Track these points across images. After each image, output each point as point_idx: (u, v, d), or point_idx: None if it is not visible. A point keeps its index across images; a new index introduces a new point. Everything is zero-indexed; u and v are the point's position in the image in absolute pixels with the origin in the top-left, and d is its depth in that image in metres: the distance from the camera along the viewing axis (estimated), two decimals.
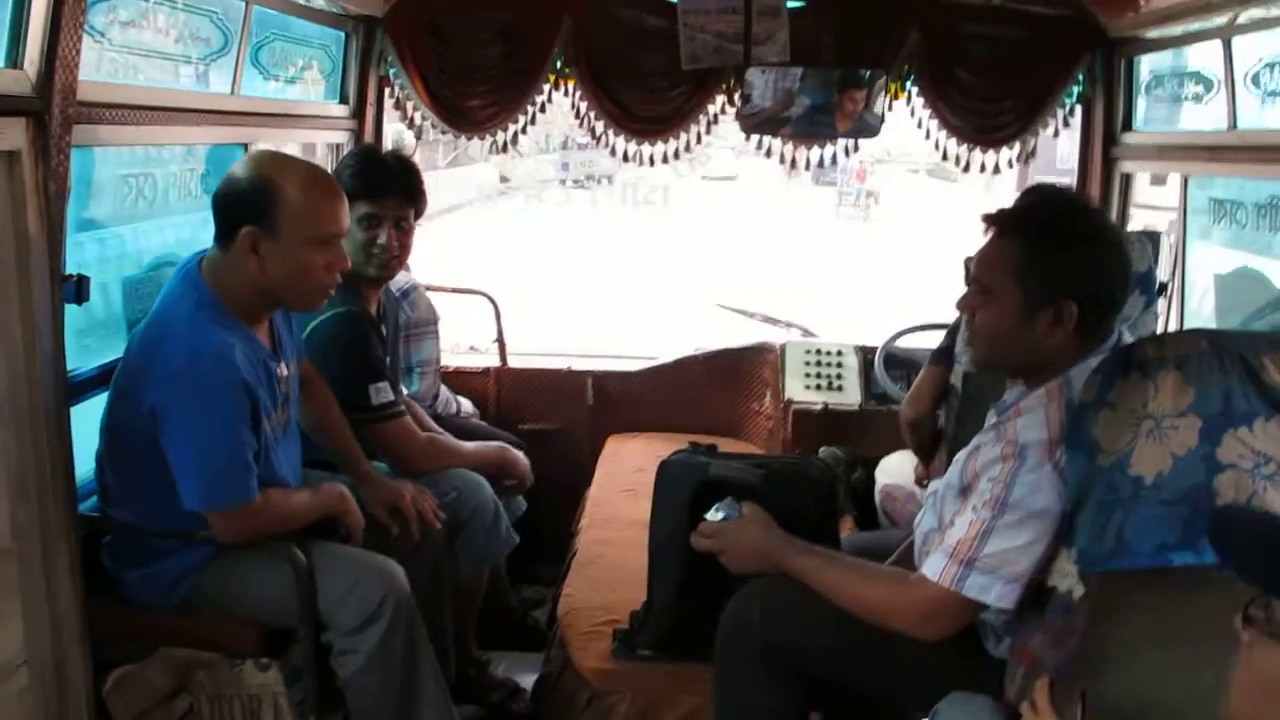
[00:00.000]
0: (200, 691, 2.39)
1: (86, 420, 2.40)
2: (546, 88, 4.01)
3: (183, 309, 2.38)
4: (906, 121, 4.15)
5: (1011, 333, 2.07)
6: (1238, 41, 3.26)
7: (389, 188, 3.04)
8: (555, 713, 2.77)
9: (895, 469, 3.65)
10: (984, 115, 4.06)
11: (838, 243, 24.26)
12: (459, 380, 4.34)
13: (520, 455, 3.38)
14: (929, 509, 2.30)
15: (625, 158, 4.19)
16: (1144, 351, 1.87)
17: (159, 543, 2.44)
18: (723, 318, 5.11)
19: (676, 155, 4.20)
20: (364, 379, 2.94)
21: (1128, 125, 4.01)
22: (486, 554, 3.15)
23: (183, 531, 2.40)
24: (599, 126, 4.08)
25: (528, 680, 3.15)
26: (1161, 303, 3.50)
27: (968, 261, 2.84)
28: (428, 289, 3.94)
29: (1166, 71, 3.86)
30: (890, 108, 4.08)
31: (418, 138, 4.17)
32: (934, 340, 3.46)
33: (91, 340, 2.65)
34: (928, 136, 4.15)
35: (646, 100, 4.06)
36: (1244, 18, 3.12)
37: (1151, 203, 3.89)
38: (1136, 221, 4.31)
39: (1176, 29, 3.51)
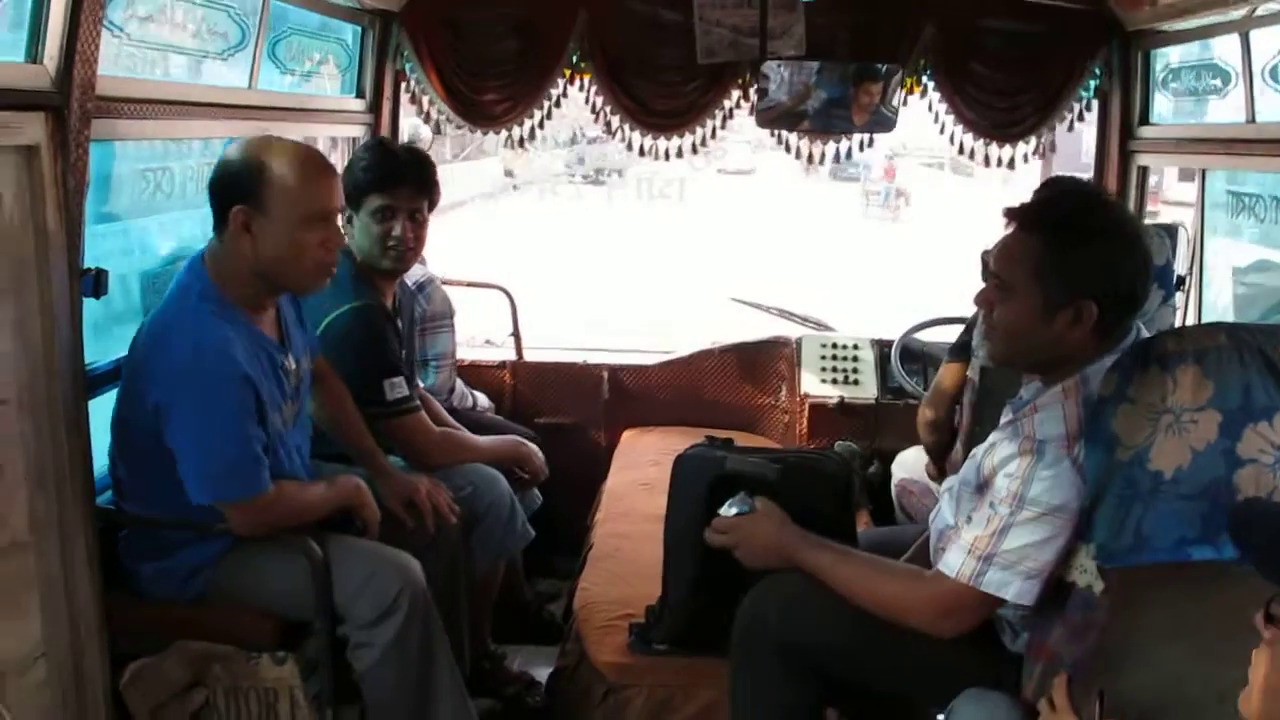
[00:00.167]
0: (216, 684, 2.41)
1: (104, 413, 2.41)
2: (562, 82, 4.02)
3: (184, 303, 2.39)
4: (922, 116, 4.14)
5: (1030, 329, 2.05)
6: (1255, 34, 3.24)
7: (402, 179, 3.03)
8: (570, 706, 2.77)
9: (912, 464, 3.63)
10: (1000, 109, 4.04)
11: (866, 245, 23.15)
12: (475, 374, 4.35)
13: (535, 449, 3.37)
14: (945, 505, 2.30)
15: (641, 152, 4.19)
16: (1163, 345, 1.86)
17: (174, 536, 2.45)
18: (738, 312, 5.10)
19: (693, 150, 4.20)
20: (379, 374, 2.94)
21: (1145, 119, 3.99)
22: (502, 548, 3.15)
23: (199, 524, 2.41)
24: (614, 121, 4.08)
25: (543, 674, 3.15)
26: (1179, 297, 3.49)
27: (985, 255, 2.83)
28: (444, 283, 3.94)
29: (1184, 65, 3.84)
30: (905, 102, 4.07)
31: (435, 132, 4.17)
32: (950, 334, 3.45)
33: (110, 334, 2.66)
34: (943, 131, 4.14)
35: (662, 94, 4.06)
36: (1262, 10, 3.10)
37: (1181, 199, 3.88)
38: (1166, 218, 4.30)
39: (1194, 22, 3.49)
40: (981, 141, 4.11)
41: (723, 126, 4.17)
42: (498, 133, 4.13)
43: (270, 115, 3.23)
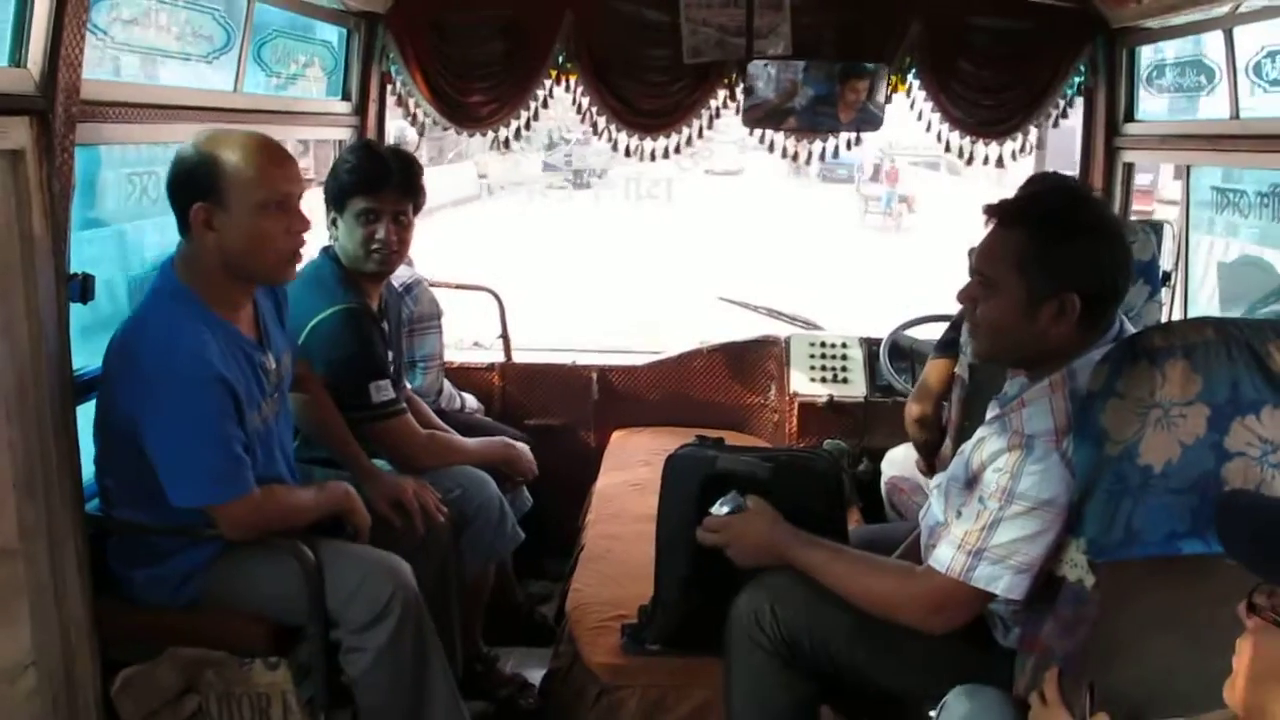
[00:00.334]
0: (209, 690, 2.40)
1: (92, 419, 2.40)
2: (548, 83, 4.01)
3: (157, 307, 2.38)
4: (908, 115, 4.14)
5: (1014, 325, 2.06)
6: (1239, 31, 3.26)
7: (386, 182, 3.01)
8: (564, 708, 2.78)
9: (902, 461, 3.64)
10: (986, 106, 4.05)
11: (864, 257, 21.10)
12: (464, 376, 4.35)
13: (524, 450, 3.37)
14: (935, 502, 2.30)
15: (627, 152, 4.19)
16: (1151, 340, 1.86)
17: (165, 542, 2.44)
18: (727, 312, 5.10)
19: (678, 150, 4.20)
20: (365, 377, 2.93)
21: (1130, 115, 4.00)
22: (492, 550, 3.15)
23: (188, 529, 2.40)
24: (601, 121, 4.08)
25: (536, 675, 3.15)
26: (1165, 292, 3.50)
27: (971, 252, 2.84)
28: (432, 285, 3.94)
29: (1168, 61, 3.86)
30: (890, 100, 4.07)
31: (421, 134, 4.16)
32: (938, 331, 3.46)
33: (97, 339, 2.64)
34: (929, 129, 4.15)
35: (648, 94, 4.06)
36: (1245, 7, 3.12)
37: (1177, 198, 3.88)
38: (1163, 216, 4.32)
39: (1178, 19, 3.50)
40: (968, 139, 4.12)
41: (709, 126, 4.17)
42: (484, 134, 4.12)
43: (256, 118, 3.21)
